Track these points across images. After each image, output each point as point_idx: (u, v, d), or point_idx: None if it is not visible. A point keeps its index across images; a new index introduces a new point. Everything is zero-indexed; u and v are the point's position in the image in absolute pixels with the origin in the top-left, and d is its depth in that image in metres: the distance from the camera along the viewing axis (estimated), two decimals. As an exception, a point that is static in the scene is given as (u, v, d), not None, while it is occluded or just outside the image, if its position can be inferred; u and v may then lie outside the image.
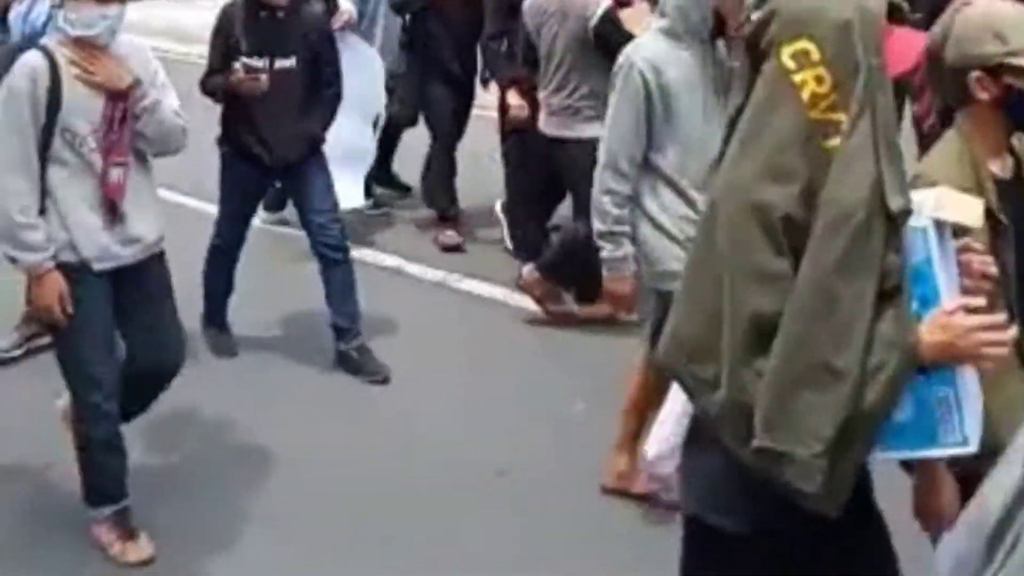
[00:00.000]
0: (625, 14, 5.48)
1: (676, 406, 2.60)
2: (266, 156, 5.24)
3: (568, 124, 5.68)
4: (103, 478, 4.04)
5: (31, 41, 4.97)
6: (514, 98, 6.20)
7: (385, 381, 5.30)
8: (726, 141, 2.28)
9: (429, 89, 6.85)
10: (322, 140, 5.33)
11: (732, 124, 2.28)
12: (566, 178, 5.86)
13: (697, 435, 2.41)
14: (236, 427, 4.78)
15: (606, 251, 3.99)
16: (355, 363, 5.35)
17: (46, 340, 5.41)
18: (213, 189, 5.62)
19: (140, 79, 3.84)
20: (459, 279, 6.53)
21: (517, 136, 6.37)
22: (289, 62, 5.16)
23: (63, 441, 4.05)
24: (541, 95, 5.80)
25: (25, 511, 4.28)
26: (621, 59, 3.89)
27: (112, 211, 3.80)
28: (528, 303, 6.19)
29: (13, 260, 3.88)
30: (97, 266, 3.81)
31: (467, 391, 5.24)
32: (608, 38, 5.43)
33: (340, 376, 5.36)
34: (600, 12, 5.48)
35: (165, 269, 4.06)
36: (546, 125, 5.81)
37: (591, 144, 5.51)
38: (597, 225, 3.97)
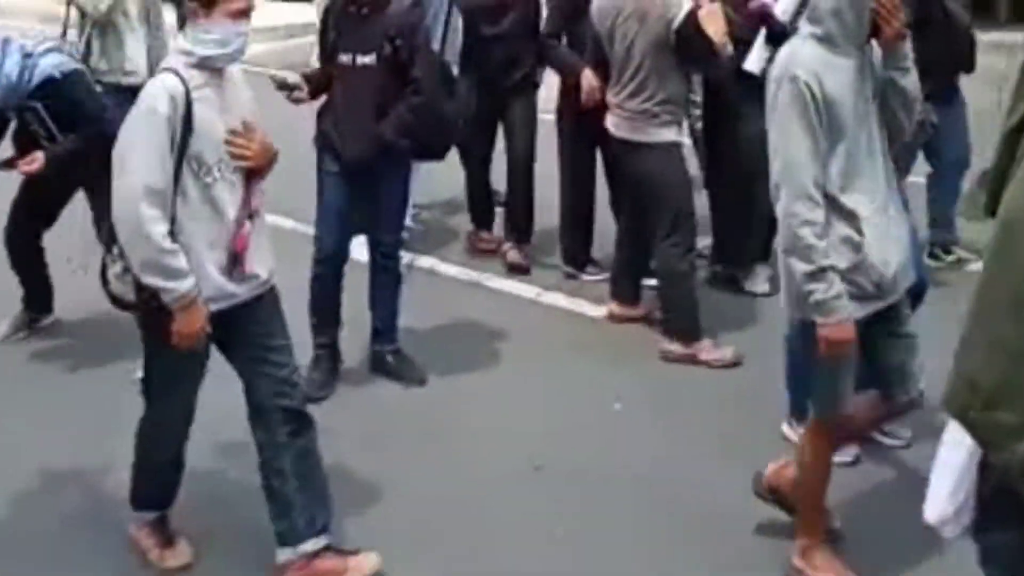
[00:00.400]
0: (701, 15, 5.31)
1: (954, 459, 2.24)
2: (343, 152, 5.09)
3: (643, 128, 5.48)
4: (157, 488, 4.02)
5: (12, 95, 5.13)
6: (591, 79, 5.90)
7: (422, 383, 5.31)
8: (1007, 155, 2.09)
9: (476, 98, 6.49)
10: (395, 145, 5.04)
11: (1012, 137, 2.09)
12: (636, 186, 5.67)
13: (994, 497, 2.15)
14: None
15: (819, 293, 3.51)
16: (390, 367, 5.37)
17: (47, 322, 5.84)
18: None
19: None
20: (491, 278, 6.55)
21: (572, 131, 6.22)
22: (369, 59, 5.01)
23: (120, 448, 4.04)
24: (613, 99, 5.61)
25: (73, 514, 4.31)
26: (777, 72, 3.58)
27: (234, 259, 3.67)
28: (559, 301, 6.23)
29: (153, 298, 3.59)
30: (213, 307, 3.64)
31: (503, 388, 5.27)
32: (690, 41, 5.29)
33: (377, 375, 5.38)
34: (683, 14, 5.29)
35: (278, 300, 3.91)
36: (618, 129, 5.61)
37: (666, 149, 5.47)
38: (801, 266, 3.51)
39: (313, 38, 6.07)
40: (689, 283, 5.58)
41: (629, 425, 4.93)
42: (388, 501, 4.33)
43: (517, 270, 6.63)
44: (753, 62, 5.71)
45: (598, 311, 6.08)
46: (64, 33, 6.61)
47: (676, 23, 5.29)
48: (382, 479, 4.46)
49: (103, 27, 6.46)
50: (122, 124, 3.62)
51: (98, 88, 6.19)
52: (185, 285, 3.51)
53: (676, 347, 5.53)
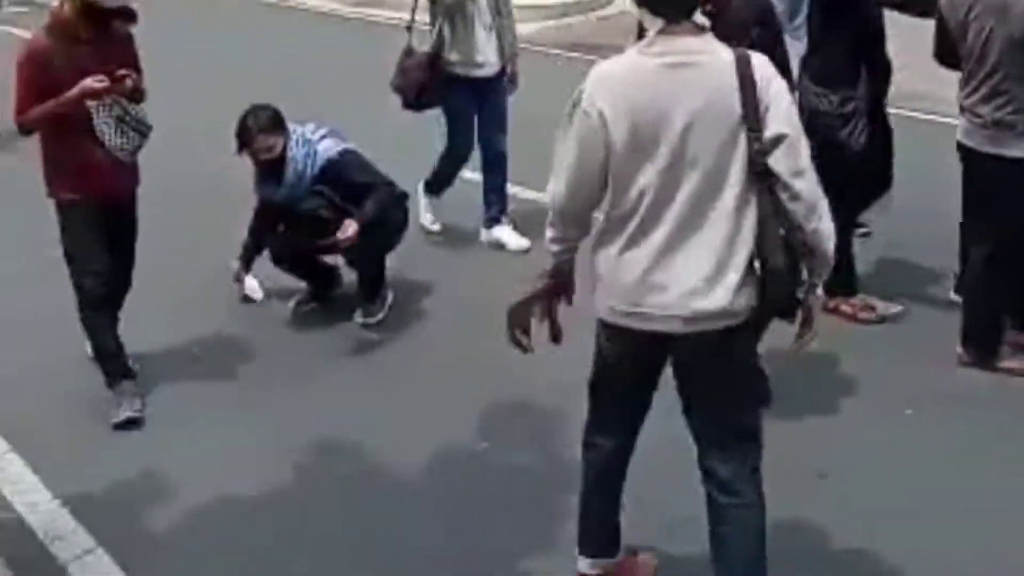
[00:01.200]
0: None
1: None
2: None
3: (1001, 140, 4.81)
4: (582, 519, 3.81)
5: (300, 183, 5.56)
6: None
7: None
8: None
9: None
10: None
11: None
12: (974, 195, 5.08)
13: None
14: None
15: None
16: None
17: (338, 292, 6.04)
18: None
19: None
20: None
21: None
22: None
23: (393, 421, 4.06)
24: (965, 101, 4.95)
25: (336, 493, 4.42)
26: None
27: None
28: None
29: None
30: None
31: (788, 391, 4.87)
32: None
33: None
34: None
35: None
36: (968, 136, 4.96)
37: (1017, 164, 4.80)
38: None
39: (594, 14, 5.66)
40: (999, 302, 5.14)
41: (921, 432, 4.68)
42: (669, 493, 4.09)
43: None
44: None
45: (887, 310, 5.71)
46: (410, 26, 6.60)
47: None
48: (657, 490, 4.18)
49: (453, 16, 6.34)
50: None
51: (449, 79, 6.36)
52: None
53: (973, 355, 5.14)
